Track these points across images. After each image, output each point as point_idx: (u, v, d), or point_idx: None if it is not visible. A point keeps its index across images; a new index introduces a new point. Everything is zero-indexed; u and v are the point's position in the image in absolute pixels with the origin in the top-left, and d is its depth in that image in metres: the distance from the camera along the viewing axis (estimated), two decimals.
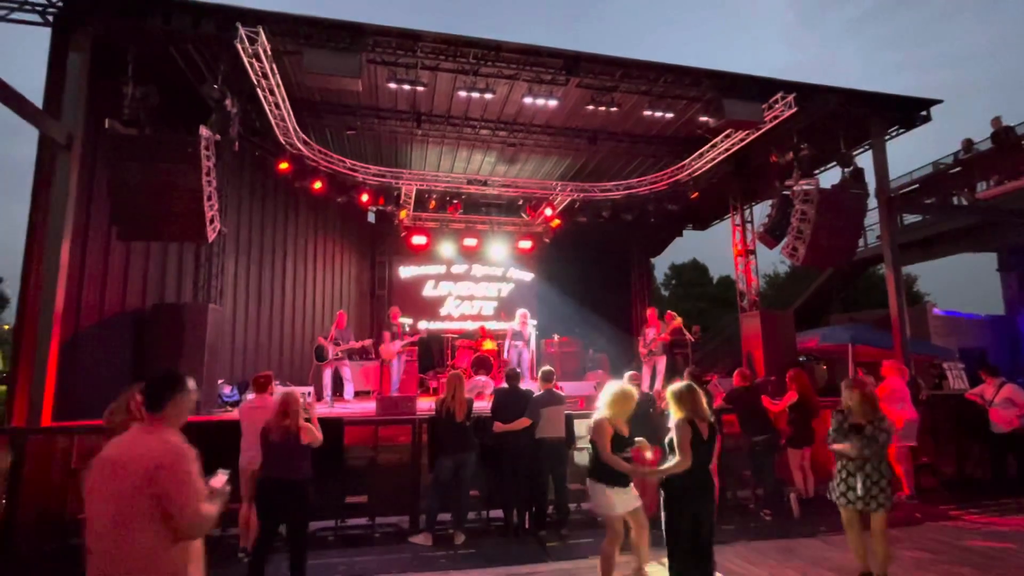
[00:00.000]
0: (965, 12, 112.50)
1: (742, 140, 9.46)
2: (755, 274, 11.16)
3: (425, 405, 7.08)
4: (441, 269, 14.16)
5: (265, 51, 6.76)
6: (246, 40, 6.54)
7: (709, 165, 10.50)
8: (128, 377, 6.94)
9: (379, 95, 8.78)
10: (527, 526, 5.52)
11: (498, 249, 14.04)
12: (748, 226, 11.23)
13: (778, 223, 9.40)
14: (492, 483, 5.75)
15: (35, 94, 5.93)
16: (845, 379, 4.47)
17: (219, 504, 2.22)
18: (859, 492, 3.96)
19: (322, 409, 7.55)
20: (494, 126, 9.79)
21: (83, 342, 6.88)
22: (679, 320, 8.94)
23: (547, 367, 5.92)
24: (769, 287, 31.01)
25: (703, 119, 8.68)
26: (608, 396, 3.95)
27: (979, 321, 15.45)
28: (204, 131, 6.50)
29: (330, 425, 4.90)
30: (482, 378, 9.62)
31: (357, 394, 9.60)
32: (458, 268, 14.25)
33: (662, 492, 3.66)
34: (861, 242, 14.91)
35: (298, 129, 9.24)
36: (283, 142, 9.35)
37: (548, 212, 13.10)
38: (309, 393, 7.71)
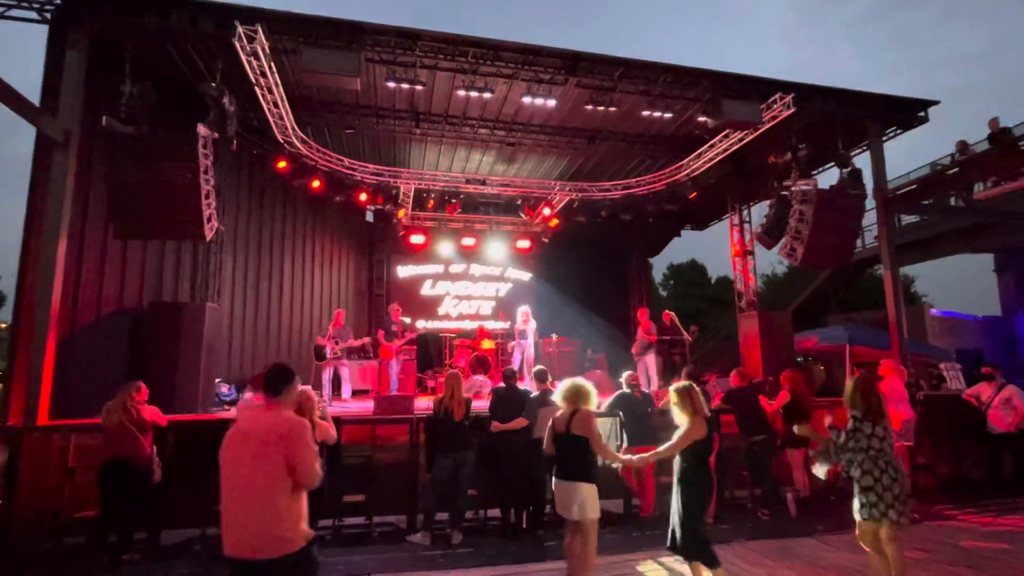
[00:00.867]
0: (963, 13, 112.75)
1: (740, 140, 9.47)
2: (753, 274, 11.17)
3: (423, 404, 7.07)
4: (439, 268, 14.16)
5: (263, 49, 6.75)
6: (244, 38, 6.53)
7: (707, 165, 10.51)
8: (125, 375, 6.92)
9: (378, 94, 8.77)
10: (525, 525, 5.52)
11: (496, 248, 14.05)
12: (746, 226, 11.24)
13: (776, 223, 9.41)
14: (490, 482, 5.74)
15: (32, 91, 5.92)
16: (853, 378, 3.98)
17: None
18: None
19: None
20: (493, 125, 9.79)
21: (80, 340, 6.86)
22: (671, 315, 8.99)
23: (541, 367, 5.93)
24: (767, 287, 31.01)
25: (702, 119, 8.69)
26: (573, 391, 3.90)
27: (976, 322, 15.51)
28: (202, 129, 6.49)
29: None
30: (480, 378, 9.61)
31: (355, 393, 9.59)
32: (456, 267, 14.24)
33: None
34: (859, 243, 14.96)
35: (296, 128, 9.23)
36: (281, 140, 9.34)
37: (546, 212, 13.10)
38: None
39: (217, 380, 8.27)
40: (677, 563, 4.20)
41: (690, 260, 38.00)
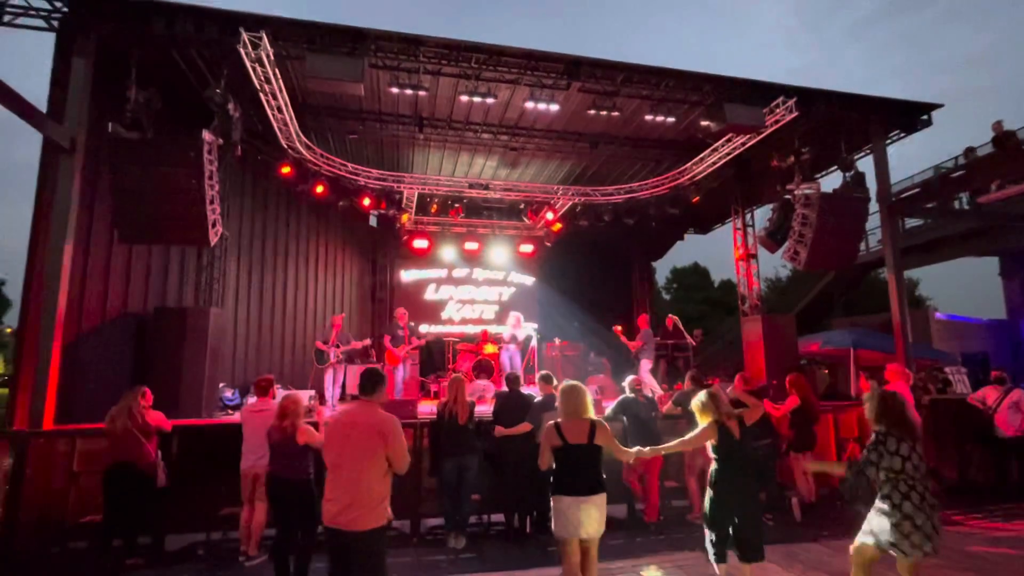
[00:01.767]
0: (966, 17, 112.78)
1: (743, 144, 9.47)
2: (756, 278, 11.15)
3: (426, 409, 7.07)
4: (442, 273, 14.17)
5: (268, 56, 6.80)
6: (249, 45, 6.57)
7: (710, 169, 10.51)
8: (129, 380, 6.95)
9: (381, 99, 8.81)
10: (528, 530, 5.51)
11: (499, 253, 14.07)
12: (749, 230, 11.22)
13: (779, 227, 9.39)
14: (493, 487, 5.73)
15: (39, 98, 5.98)
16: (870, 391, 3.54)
17: None
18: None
19: (324, 412, 7.53)
20: (496, 130, 9.81)
21: (85, 345, 6.89)
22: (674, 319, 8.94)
23: (546, 371, 5.92)
24: (771, 291, 30.92)
25: (704, 123, 8.69)
26: (582, 401, 3.61)
27: (981, 325, 15.43)
28: (206, 135, 6.53)
29: None
30: (483, 382, 9.60)
31: (356, 398, 9.56)
32: (459, 272, 14.26)
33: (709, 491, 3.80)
34: (863, 246, 14.95)
35: (300, 133, 9.27)
36: (285, 146, 9.38)
37: (549, 216, 13.11)
38: (312, 396, 7.71)
39: (221, 385, 8.29)
40: (681, 568, 4.19)
41: (693, 264, 38.03)
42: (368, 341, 9.86)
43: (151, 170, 6.23)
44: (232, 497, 5.03)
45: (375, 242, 13.98)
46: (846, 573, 4.27)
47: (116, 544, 4.79)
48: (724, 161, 10.10)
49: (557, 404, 3.70)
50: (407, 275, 14.00)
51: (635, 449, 3.80)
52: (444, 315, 14.01)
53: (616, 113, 8.31)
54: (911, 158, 13.11)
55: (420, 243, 13.21)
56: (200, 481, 5.41)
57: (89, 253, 7.06)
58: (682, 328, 10.53)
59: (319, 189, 10.44)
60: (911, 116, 8.97)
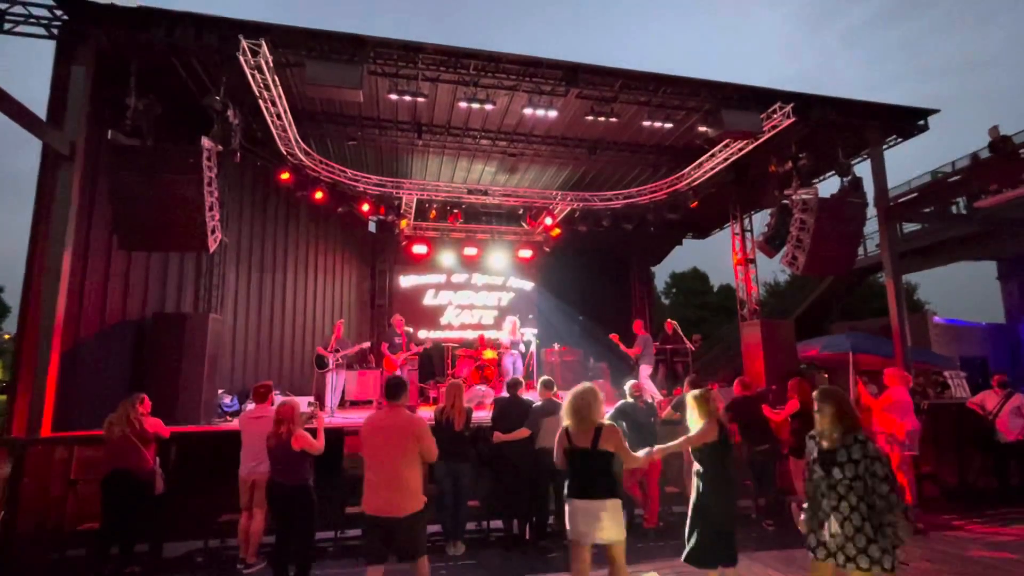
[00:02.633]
0: (963, 23, 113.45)
1: (741, 150, 9.51)
2: (755, 283, 11.17)
3: (425, 415, 7.04)
4: (441, 278, 14.19)
5: (267, 63, 6.83)
6: (248, 52, 6.60)
7: (708, 174, 10.54)
8: (127, 387, 6.94)
9: (380, 106, 8.84)
10: (527, 536, 5.49)
11: (498, 258, 14.08)
12: (748, 235, 11.25)
13: (777, 232, 9.41)
14: (492, 493, 5.72)
15: (38, 106, 5.98)
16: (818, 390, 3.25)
17: None
18: (831, 533, 2.94)
19: (325, 418, 7.51)
20: (494, 136, 9.84)
21: (83, 352, 6.87)
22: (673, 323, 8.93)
23: (547, 377, 5.90)
24: (769, 296, 30.93)
25: (702, 129, 8.73)
26: (592, 406, 3.52)
27: (980, 329, 15.43)
28: (206, 142, 6.54)
29: (329, 435, 4.90)
30: (482, 387, 9.59)
31: (357, 403, 9.57)
32: (458, 277, 14.27)
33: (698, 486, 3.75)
34: (861, 251, 14.98)
35: (299, 139, 9.30)
36: (284, 152, 9.40)
37: (548, 221, 13.13)
38: (311, 402, 7.69)
39: (220, 391, 8.27)
40: (680, 574, 4.17)
41: (692, 268, 38.04)
42: (367, 344, 9.85)
43: (150, 177, 6.22)
44: (230, 504, 5.02)
45: (374, 248, 14.00)
46: None
47: (114, 551, 4.77)
48: (722, 166, 10.13)
49: (564, 407, 3.64)
50: (406, 280, 14.01)
51: (644, 451, 3.68)
52: (443, 320, 14.01)
53: (614, 119, 8.34)
54: (908, 163, 13.13)
55: (419, 249, 13.23)
56: (198, 488, 5.40)
57: (88, 259, 7.05)
58: (681, 333, 10.54)
59: (318, 195, 10.47)
60: (908, 122, 9.01)
